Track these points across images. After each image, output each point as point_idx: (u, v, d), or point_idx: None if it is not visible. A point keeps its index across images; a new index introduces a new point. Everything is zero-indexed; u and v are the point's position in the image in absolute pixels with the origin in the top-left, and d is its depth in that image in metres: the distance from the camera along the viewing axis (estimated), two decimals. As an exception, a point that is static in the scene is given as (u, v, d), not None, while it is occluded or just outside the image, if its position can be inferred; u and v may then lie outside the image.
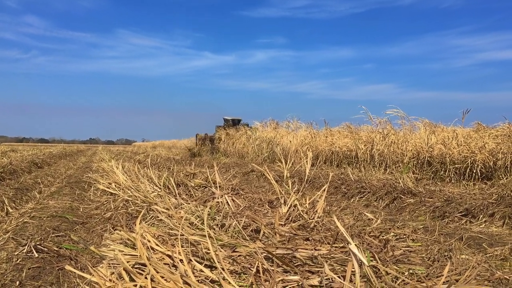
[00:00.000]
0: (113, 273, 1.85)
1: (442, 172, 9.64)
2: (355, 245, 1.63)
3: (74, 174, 12.22)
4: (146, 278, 1.67)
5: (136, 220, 3.96)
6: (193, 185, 4.48)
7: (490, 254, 3.59)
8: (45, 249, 3.45)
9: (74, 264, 3.38)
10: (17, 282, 2.72)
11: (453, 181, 9.17)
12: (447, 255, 2.42)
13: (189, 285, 1.54)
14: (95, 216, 5.54)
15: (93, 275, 1.84)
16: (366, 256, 1.73)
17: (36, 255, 3.31)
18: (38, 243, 3.51)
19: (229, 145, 21.17)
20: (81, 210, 5.98)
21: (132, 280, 1.75)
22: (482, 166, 8.95)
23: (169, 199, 3.55)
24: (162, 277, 1.64)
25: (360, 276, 1.60)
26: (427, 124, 11.76)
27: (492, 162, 8.79)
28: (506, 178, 7.92)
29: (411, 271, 1.91)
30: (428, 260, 2.21)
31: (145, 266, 1.89)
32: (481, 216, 5.51)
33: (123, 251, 2.11)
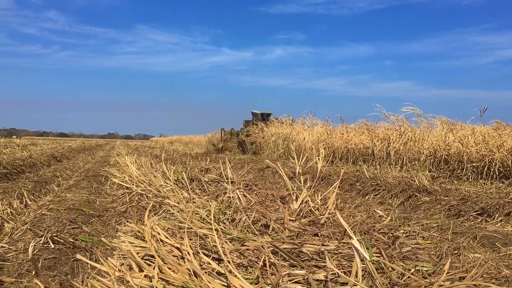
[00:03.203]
0: (123, 264, 1.90)
1: (459, 170, 9.53)
2: (358, 240, 1.65)
3: (92, 168, 12.41)
4: (154, 269, 1.72)
5: (140, 216, 4.03)
6: (206, 180, 4.53)
7: (503, 253, 3.56)
8: (61, 240, 3.54)
9: (89, 255, 3.46)
10: (33, 272, 2.80)
11: (470, 179, 9.05)
12: (456, 253, 2.41)
13: (196, 276, 1.58)
14: (111, 210, 5.64)
15: (103, 265, 1.90)
16: (369, 251, 1.74)
17: (53, 246, 3.40)
18: (54, 234, 3.60)
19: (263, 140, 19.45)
20: (98, 203, 6.08)
21: (141, 270, 1.80)
22: (500, 165, 8.82)
23: (181, 194, 3.60)
24: (170, 268, 1.69)
25: (365, 271, 1.62)
26: (445, 122, 11.62)
27: (510, 161, 8.66)
28: (524, 178, 7.80)
29: (417, 267, 1.92)
30: (436, 257, 2.21)
31: (154, 257, 1.94)
32: (497, 215, 5.45)
33: (133, 243, 2.16)
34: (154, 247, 1.82)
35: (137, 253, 1.89)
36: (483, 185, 8.02)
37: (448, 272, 1.63)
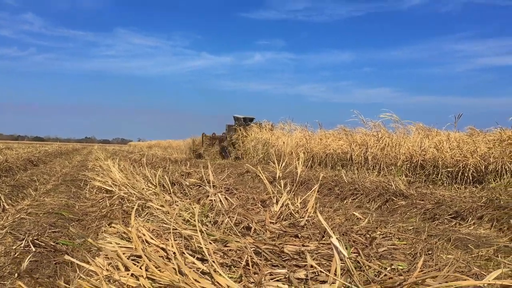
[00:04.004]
0: (110, 263, 1.94)
1: (434, 175, 9.77)
2: (337, 238, 1.73)
3: (70, 173, 12.27)
4: (141, 268, 1.77)
5: (124, 219, 4.06)
6: (187, 184, 4.57)
7: (475, 255, 3.70)
8: (42, 244, 3.54)
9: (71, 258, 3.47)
10: (16, 275, 2.80)
11: (445, 184, 9.29)
12: (430, 253, 2.52)
13: (182, 274, 1.63)
14: (91, 214, 5.62)
15: (91, 265, 1.93)
16: (348, 250, 1.83)
17: (34, 250, 3.39)
18: (35, 238, 3.59)
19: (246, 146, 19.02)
20: (77, 207, 6.05)
21: (127, 270, 1.84)
22: (474, 170, 9.08)
23: (163, 197, 3.64)
24: (156, 268, 1.74)
25: (343, 269, 1.70)
26: (421, 128, 11.89)
27: (483, 166, 8.92)
28: (496, 182, 8.05)
29: (393, 266, 2.01)
30: (411, 257, 2.31)
31: (140, 258, 1.98)
32: (470, 218, 5.63)
33: (119, 244, 2.20)
34: (141, 247, 1.86)
35: (123, 254, 1.93)
36: (457, 189, 8.25)
37: (421, 270, 1.72)
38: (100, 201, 6.20)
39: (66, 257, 2.29)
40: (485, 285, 1.52)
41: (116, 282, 1.73)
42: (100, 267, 1.87)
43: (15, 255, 3.24)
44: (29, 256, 3.15)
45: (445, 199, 6.62)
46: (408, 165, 10.79)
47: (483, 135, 10.15)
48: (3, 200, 6.01)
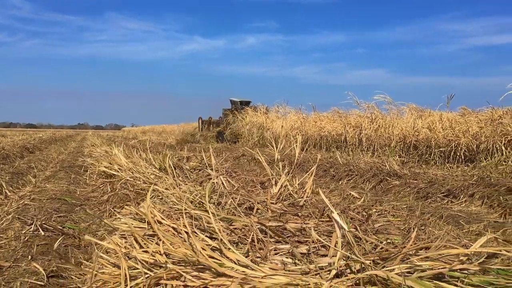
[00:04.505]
0: (126, 241, 2.07)
1: (427, 155, 9.96)
2: (337, 213, 1.87)
3: (67, 159, 12.34)
4: (157, 244, 1.90)
5: (135, 201, 4.19)
6: (188, 167, 4.69)
7: (466, 230, 3.87)
8: (50, 227, 3.66)
9: (78, 241, 3.60)
10: (29, 257, 2.93)
11: (437, 164, 9.48)
12: (423, 228, 2.67)
13: (194, 251, 1.76)
14: (92, 199, 5.75)
15: (110, 243, 2.06)
16: (347, 224, 1.97)
17: (43, 233, 3.52)
18: (43, 222, 3.72)
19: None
20: (78, 193, 6.17)
21: (141, 247, 1.97)
22: (466, 149, 9.27)
23: (168, 180, 3.77)
24: (171, 244, 1.87)
25: (342, 242, 1.84)
26: (414, 108, 12.05)
27: (475, 146, 9.10)
28: (487, 161, 8.24)
29: (388, 240, 2.15)
30: (405, 231, 2.46)
31: (153, 236, 2.12)
32: (462, 196, 5.81)
33: (132, 224, 2.33)
34: (156, 226, 1.99)
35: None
36: (449, 168, 8.44)
37: (414, 242, 1.87)
38: (101, 186, 6.32)
39: (86, 237, 2.42)
40: (472, 252, 1.66)
41: (133, 259, 1.86)
42: (118, 245, 2.00)
43: (26, 239, 3.36)
44: (53, 239, 3.27)
45: (438, 178, 6.80)
46: (402, 146, 10.97)
47: (475, 115, 10.33)
48: (5, 187, 6.10)
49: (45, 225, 3.68)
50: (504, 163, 7.74)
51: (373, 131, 11.86)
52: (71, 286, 2.40)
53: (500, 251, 1.64)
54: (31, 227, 3.61)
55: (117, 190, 4.66)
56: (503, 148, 8.22)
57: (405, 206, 5.27)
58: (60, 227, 3.78)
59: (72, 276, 2.66)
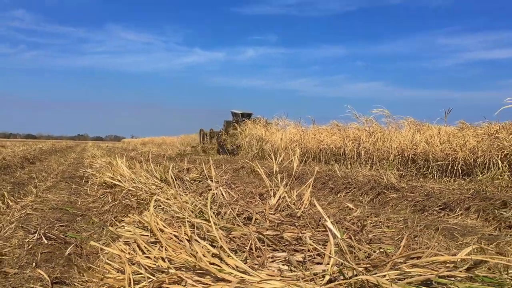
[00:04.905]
0: (129, 248, 2.15)
1: (425, 169, 10.05)
2: (331, 222, 1.96)
3: (67, 170, 12.42)
4: (160, 250, 1.98)
5: (137, 210, 4.27)
6: (188, 179, 4.79)
7: (460, 242, 3.95)
8: (53, 236, 3.74)
9: (80, 250, 3.68)
10: (33, 264, 3.01)
11: (435, 177, 9.57)
12: (416, 239, 2.76)
13: (195, 257, 1.85)
14: (93, 209, 5.83)
15: (114, 249, 2.15)
16: (340, 232, 2.05)
17: (46, 242, 3.60)
18: (47, 231, 3.80)
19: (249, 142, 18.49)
20: (79, 203, 6.25)
21: (144, 253, 2.06)
22: (463, 163, 9.37)
23: (169, 190, 3.86)
24: (173, 251, 1.95)
25: (336, 250, 1.93)
26: (412, 122, 12.18)
27: (472, 160, 9.21)
28: (483, 175, 8.33)
29: (381, 249, 2.24)
30: (398, 242, 2.54)
31: (155, 243, 2.20)
32: (458, 209, 5.89)
33: (136, 231, 2.41)
34: (159, 234, 2.08)
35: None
36: (446, 182, 8.52)
37: (405, 250, 1.95)
38: (101, 196, 6.40)
39: (92, 243, 2.50)
40: (459, 260, 1.75)
41: (136, 264, 1.95)
42: (122, 251, 2.09)
43: (29, 247, 3.44)
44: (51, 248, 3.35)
45: (435, 191, 6.88)
46: (400, 159, 11.07)
47: (473, 129, 10.44)
48: (7, 197, 6.18)
49: (48, 234, 3.76)
50: (500, 177, 7.84)
51: (371, 144, 11.98)
52: (75, 292, 2.48)
53: (486, 259, 1.73)
54: (34, 236, 3.69)
55: (118, 201, 4.74)
56: (499, 162, 8.32)
57: (401, 219, 5.35)
58: (63, 236, 3.86)
59: (75, 283, 2.74)
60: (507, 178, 7.68)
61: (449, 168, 9.50)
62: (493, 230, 4.94)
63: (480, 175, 8.36)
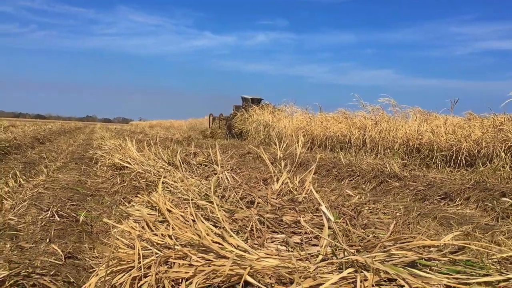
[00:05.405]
0: (139, 225, 2.31)
1: (429, 158, 10.13)
2: (326, 206, 2.09)
3: (77, 151, 12.64)
4: (167, 228, 2.14)
5: (145, 192, 4.44)
6: (195, 163, 4.94)
7: (455, 231, 4.08)
8: (65, 214, 3.93)
9: (90, 228, 3.87)
10: (47, 239, 3.19)
11: (438, 167, 9.66)
12: (409, 225, 2.89)
13: (199, 236, 2.00)
14: (103, 190, 6.02)
15: (124, 226, 2.30)
16: (335, 216, 2.19)
17: (58, 219, 3.78)
18: (59, 209, 3.98)
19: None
20: (89, 183, 6.44)
21: (152, 231, 2.22)
22: (467, 154, 9.45)
23: (176, 173, 4.02)
24: (180, 229, 2.11)
25: (331, 233, 2.07)
26: (419, 112, 12.22)
27: (476, 151, 9.28)
28: (485, 166, 8.42)
29: (375, 234, 2.38)
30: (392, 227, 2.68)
31: (163, 223, 2.36)
32: (458, 199, 6.02)
33: (145, 211, 2.57)
34: (167, 213, 2.24)
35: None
36: (449, 172, 8.62)
37: (393, 234, 2.09)
38: (110, 178, 6.59)
39: (105, 219, 2.67)
40: (442, 244, 1.89)
41: (145, 241, 2.10)
42: (132, 228, 2.25)
43: (42, 224, 3.62)
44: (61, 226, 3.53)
45: (436, 181, 7.00)
46: (405, 149, 11.15)
47: (480, 120, 10.48)
48: (19, 176, 6.38)
49: (60, 212, 3.95)
50: (502, 168, 7.93)
51: (377, 133, 12.06)
52: (86, 265, 2.65)
53: (467, 245, 1.86)
54: (47, 213, 3.87)
55: (126, 182, 4.92)
56: (502, 154, 8.40)
57: (401, 207, 5.48)
58: (74, 214, 4.04)
59: (86, 258, 2.92)
60: (509, 170, 7.77)
61: (453, 158, 9.59)
62: (490, 220, 5.07)
63: (482, 166, 8.44)
